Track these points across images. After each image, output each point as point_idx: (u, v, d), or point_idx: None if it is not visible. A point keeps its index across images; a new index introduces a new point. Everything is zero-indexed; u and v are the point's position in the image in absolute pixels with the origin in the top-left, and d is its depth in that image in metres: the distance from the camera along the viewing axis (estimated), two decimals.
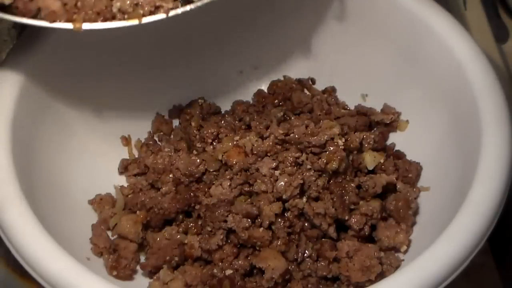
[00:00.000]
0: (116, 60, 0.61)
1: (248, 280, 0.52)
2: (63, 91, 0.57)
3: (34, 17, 0.46)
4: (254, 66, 0.65)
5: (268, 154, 0.54)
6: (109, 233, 0.55)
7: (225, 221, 0.52)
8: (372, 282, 0.49)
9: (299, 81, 0.64)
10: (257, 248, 0.52)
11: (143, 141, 0.62)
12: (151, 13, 0.47)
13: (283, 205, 0.52)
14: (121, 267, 0.53)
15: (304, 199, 0.52)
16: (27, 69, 0.54)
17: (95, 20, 0.46)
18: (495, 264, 0.59)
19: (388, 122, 0.60)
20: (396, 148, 0.60)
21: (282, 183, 0.52)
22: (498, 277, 0.59)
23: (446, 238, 0.46)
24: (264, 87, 0.65)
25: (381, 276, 0.50)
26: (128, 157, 0.61)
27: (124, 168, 0.60)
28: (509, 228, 0.54)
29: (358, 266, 0.50)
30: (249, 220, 0.52)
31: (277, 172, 0.53)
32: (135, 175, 0.59)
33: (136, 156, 0.62)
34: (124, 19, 0.47)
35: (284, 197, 0.52)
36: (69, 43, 0.57)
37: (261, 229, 0.52)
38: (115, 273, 0.52)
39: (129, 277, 0.53)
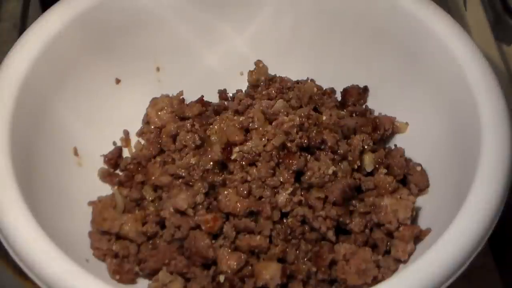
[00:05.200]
0: (114, 60, 0.61)
1: (248, 281, 0.52)
2: (62, 93, 0.57)
3: None
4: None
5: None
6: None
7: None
8: (369, 285, 0.49)
9: (298, 83, 0.64)
10: (256, 254, 0.52)
11: (142, 143, 0.62)
12: None
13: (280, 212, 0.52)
14: (124, 271, 0.53)
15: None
16: (27, 70, 0.54)
17: None
18: (495, 265, 0.59)
19: (388, 135, 0.59)
20: None
21: (283, 198, 0.52)
22: (498, 279, 0.59)
23: (446, 240, 0.45)
24: None
25: (379, 279, 0.50)
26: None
27: (124, 166, 0.60)
28: (509, 229, 0.53)
29: (354, 269, 0.50)
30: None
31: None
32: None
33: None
34: None
35: (283, 210, 0.52)
36: (69, 41, 0.57)
37: (258, 237, 0.51)
38: (118, 277, 0.52)
39: (131, 281, 0.53)
